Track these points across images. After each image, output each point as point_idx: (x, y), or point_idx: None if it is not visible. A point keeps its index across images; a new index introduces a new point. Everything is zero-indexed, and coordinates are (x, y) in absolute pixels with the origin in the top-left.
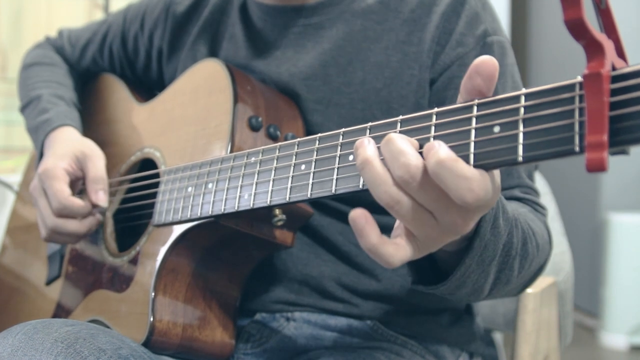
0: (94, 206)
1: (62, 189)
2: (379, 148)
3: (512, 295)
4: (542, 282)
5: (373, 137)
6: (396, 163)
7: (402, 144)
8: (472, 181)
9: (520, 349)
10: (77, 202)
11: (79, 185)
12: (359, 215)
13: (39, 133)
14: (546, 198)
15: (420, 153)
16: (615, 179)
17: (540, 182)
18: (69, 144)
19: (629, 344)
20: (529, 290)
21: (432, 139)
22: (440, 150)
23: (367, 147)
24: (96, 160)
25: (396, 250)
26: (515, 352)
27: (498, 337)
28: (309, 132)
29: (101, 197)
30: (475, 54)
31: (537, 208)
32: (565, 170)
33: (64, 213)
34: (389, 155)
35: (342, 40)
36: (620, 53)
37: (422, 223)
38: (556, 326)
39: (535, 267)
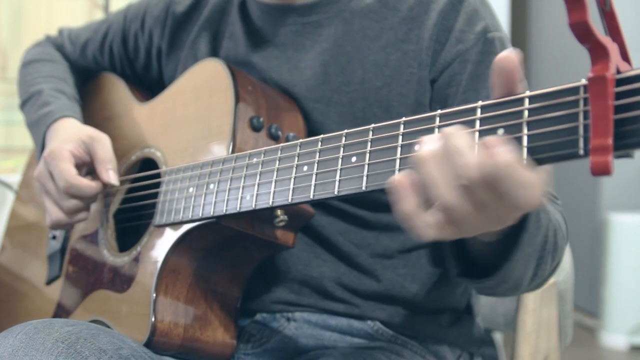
0: (105, 186)
1: (69, 169)
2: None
3: (535, 290)
4: None
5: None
6: (454, 164)
7: (461, 142)
8: (536, 188)
9: (520, 349)
10: (85, 181)
11: (84, 170)
12: (401, 181)
13: (40, 125)
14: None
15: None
16: (615, 179)
17: None
18: (74, 130)
19: (629, 344)
20: None
21: None
22: (502, 153)
23: (426, 143)
24: (103, 142)
25: (430, 226)
26: (515, 352)
27: (498, 337)
28: (309, 132)
29: (112, 176)
30: (476, 50)
31: (553, 199)
32: (565, 170)
33: (70, 192)
34: (445, 153)
35: (341, 40)
36: (625, 56)
37: (468, 217)
38: (556, 326)
39: (558, 260)
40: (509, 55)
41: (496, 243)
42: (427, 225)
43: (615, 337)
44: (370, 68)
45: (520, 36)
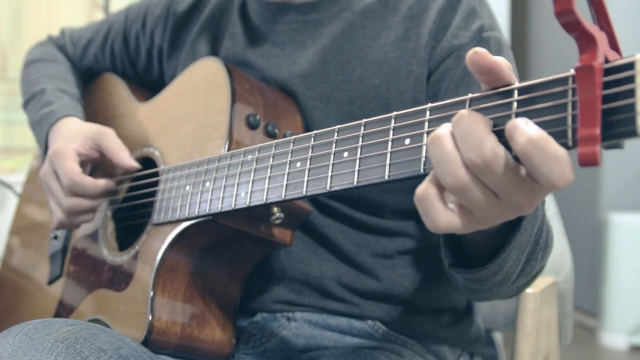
0: (133, 169)
1: (73, 167)
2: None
3: (513, 295)
4: (542, 282)
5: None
6: (468, 144)
7: (474, 123)
8: (565, 163)
9: (520, 349)
10: (88, 179)
11: (88, 168)
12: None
13: (43, 125)
14: (546, 198)
15: (497, 132)
16: (615, 179)
17: None
18: (78, 128)
19: (629, 344)
20: (529, 290)
21: (425, 135)
22: (530, 128)
23: (442, 126)
24: (110, 135)
25: (445, 214)
26: (515, 352)
27: (498, 337)
28: (308, 129)
29: (132, 161)
30: (471, 47)
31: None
32: None
33: (74, 190)
34: (460, 134)
35: (341, 38)
36: (614, 45)
37: (485, 205)
38: (556, 326)
39: (543, 263)
40: (476, 51)
41: (491, 231)
42: (442, 209)
43: (615, 337)
44: (369, 66)
45: (520, 36)
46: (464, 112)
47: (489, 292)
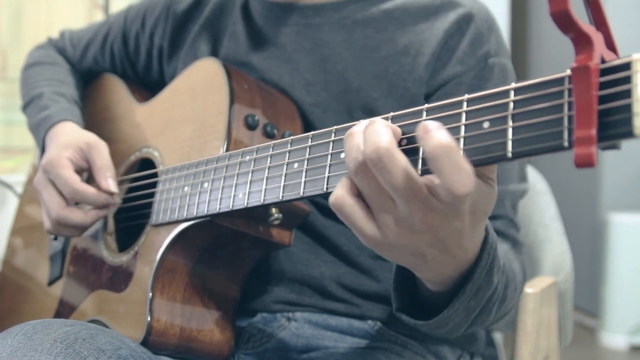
0: (108, 193)
1: (72, 176)
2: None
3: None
4: (542, 282)
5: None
6: (368, 141)
7: (380, 127)
8: (470, 175)
9: (520, 349)
10: (90, 189)
11: (83, 176)
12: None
13: (40, 129)
14: (546, 198)
15: (405, 140)
16: (615, 179)
17: (539, 182)
18: (71, 136)
19: (629, 344)
20: (529, 290)
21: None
22: (441, 134)
23: (360, 123)
24: (101, 150)
25: (352, 209)
26: (515, 352)
27: (498, 337)
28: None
29: (111, 184)
30: (474, 74)
31: (517, 245)
32: (564, 170)
33: (76, 198)
34: (365, 135)
35: (341, 48)
36: (611, 45)
37: (382, 206)
38: (556, 326)
39: (508, 308)
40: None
41: (443, 294)
42: (356, 214)
43: (615, 337)
44: (368, 79)
45: (520, 36)
46: (376, 119)
47: (439, 335)
